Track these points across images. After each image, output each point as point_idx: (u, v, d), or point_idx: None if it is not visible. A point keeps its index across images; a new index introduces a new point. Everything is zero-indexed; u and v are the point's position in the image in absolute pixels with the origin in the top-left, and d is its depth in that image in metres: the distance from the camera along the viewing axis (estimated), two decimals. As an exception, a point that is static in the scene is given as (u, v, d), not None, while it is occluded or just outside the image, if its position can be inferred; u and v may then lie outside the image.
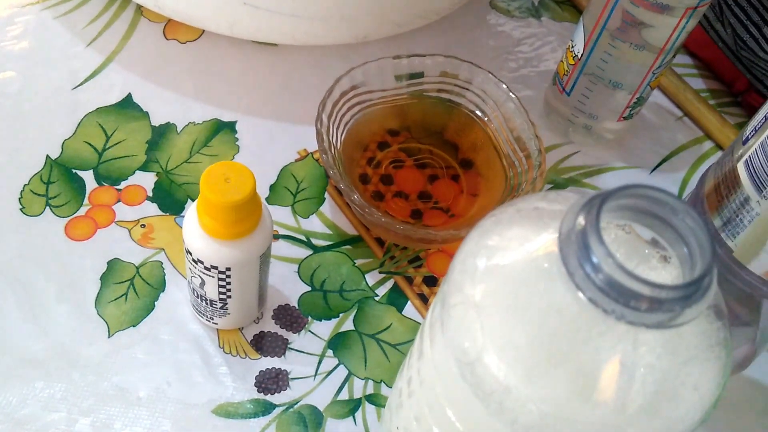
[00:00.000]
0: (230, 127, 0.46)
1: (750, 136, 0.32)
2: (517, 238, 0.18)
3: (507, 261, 0.17)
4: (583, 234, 0.15)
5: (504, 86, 0.44)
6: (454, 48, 0.52)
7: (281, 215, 0.43)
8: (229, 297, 0.35)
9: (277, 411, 0.37)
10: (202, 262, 0.33)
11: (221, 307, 0.36)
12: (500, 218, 0.19)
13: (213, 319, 0.38)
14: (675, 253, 0.17)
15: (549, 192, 0.20)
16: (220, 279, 0.34)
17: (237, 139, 0.46)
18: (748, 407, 0.40)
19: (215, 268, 0.33)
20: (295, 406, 0.37)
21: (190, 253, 0.33)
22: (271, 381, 0.38)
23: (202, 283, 0.35)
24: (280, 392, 0.37)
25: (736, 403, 0.40)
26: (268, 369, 0.38)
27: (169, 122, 0.46)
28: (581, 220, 0.16)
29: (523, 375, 0.16)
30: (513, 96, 0.43)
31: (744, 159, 0.32)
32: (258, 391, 0.37)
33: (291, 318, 0.40)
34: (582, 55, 0.45)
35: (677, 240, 0.17)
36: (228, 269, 0.33)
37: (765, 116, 0.31)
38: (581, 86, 0.46)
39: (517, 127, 0.43)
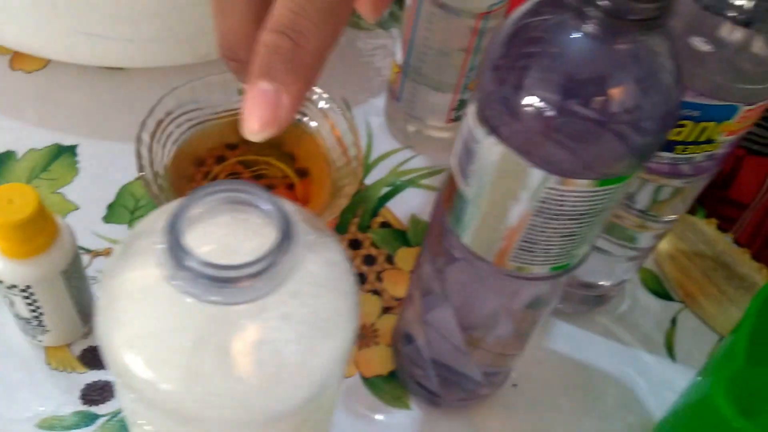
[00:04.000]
0: (71, 150, 0.48)
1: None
2: (131, 257, 0.20)
3: (123, 277, 0.20)
4: (171, 236, 0.18)
5: (326, 97, 0.46)
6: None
7: (118, 232, 0.45)
8: (42, 314, 0.37)
9: (101, 420, 0.38)
10: (2, 282, 0.35)
11: (38, 325, 0.38)
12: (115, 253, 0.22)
13: (36, 336, 0.39)
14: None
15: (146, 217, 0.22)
16: (24, 297, 0.35)
17: (77, 162, 0.47)
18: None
19: (16, 286, 0.35)
20: (119, 415, 0.38)
21: (-8, 275, 0.35)
22: (97, 392, 0.39)
23: (11, 303, 0.36)
24: (105, 402, 0.39)
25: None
26: (94, 381, 0.39)
27: (8, 150, 0.47)
28: (170, 227, 0.18)
29: (159, 367, 0.18)
30: (336, 107, 0.45)
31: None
32: (83, 403, 0.39)
33: (121, 331, 0.41)
34: (403, 61, 0.47)
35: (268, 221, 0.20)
36: (28, 287, 0.35)
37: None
38: (407, 91, 0.48)
39: (342, 133, 0.45)
